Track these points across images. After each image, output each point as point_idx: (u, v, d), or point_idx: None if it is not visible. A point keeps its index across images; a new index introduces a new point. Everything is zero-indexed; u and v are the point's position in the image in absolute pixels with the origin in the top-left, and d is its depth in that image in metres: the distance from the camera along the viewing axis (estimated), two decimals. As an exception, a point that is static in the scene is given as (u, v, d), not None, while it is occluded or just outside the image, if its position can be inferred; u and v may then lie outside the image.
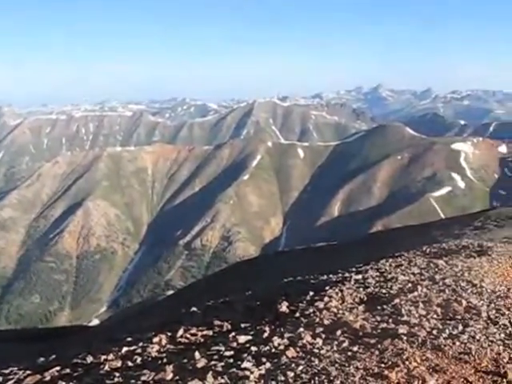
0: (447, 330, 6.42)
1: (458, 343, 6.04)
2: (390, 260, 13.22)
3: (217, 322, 7.66)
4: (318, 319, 6.99)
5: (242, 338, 6.65)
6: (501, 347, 6.02)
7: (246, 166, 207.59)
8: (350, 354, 5.82)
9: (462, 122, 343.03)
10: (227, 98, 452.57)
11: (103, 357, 6.56)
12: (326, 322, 6.87)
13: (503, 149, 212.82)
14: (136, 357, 6.45)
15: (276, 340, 6.36)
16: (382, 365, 5.48)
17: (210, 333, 7.30)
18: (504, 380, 5.29)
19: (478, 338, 6.24)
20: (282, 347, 6.16)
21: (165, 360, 6.23)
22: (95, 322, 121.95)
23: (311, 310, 7.39)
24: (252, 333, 6.93)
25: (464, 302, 7.60)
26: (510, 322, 6.93)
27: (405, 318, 6.86)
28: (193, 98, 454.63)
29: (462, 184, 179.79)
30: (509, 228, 35.56)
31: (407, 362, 5.50)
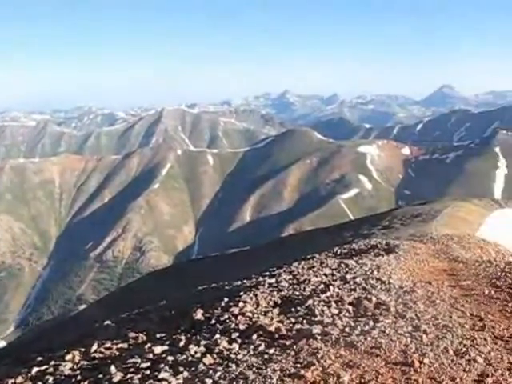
0: (359, 327, 6.62)
1: (369, 338, 6.24)
2: (303, 262, 13.46)
3: (132, 334, 7.52)
4: (233, 325, 7.01)
5: (158, 349, 6.56)
6: (408, 339, 6.28)
7: (155, 174, 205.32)
8: (266, 356, 5.88)
9: (367, 126, 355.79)
10: (135, 106, 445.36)
11: (11, 381, 6.28)
12: (241, 326, 6.90)
13: (406, 151, 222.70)
14: (48, 377, 6.22)
15: (192, 348, 6.32)
16: (298, 365, 5.57)
17: (125, 345, 7.16)
18: (411, 369, 5.55)
19: (387, 332, 6.48)
20: (198, 355, 6.13)
21: (79, 377, 6.04)
22: (2, 343, 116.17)
23: (226, 316, 7.40)
24: (168, 342, 6.86)
25: (374, 299, 7.86)
26: (416, 314, 7.25)
27: (318, 318, 7.00)
28: (99, 106, 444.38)
29: (369, 185, 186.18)
30: (414, 226, 37.18)
31: (322, 361, 5.62)
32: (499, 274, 11.06)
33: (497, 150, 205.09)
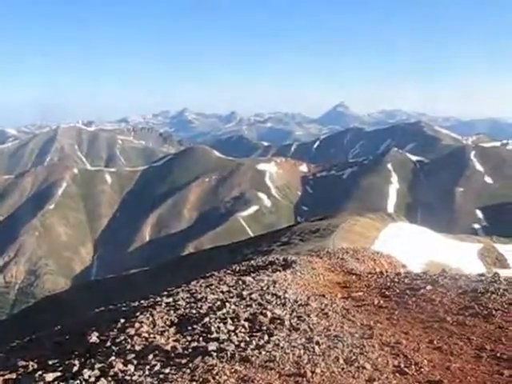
0: (254, 342, 6.73)
1: (263, 352, 6.36)
2: (202, 281, 13.43)
3: (21, 363, 7.22)
4: (129, 346, 6.90)
5: (50, 376, 6.35)
6: (301, 351, 6.48)
7: (51, 194, 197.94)
8: (162, 376, 5.85)
9: (266, 144, 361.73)
10: (28, 123, 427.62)
11: None
12: (137, 347, 6.81)
13: (304, 168, 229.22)
14: None
15: (86, 372, 6.17)
16: (194, 382, 5.59)
17: (14, 375, 6.86)
18: (304, 379, 5.76)
19: (281, 345, 6.63)
20: (92, 379, 6.00)
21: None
22: None
23: (122, 338, 7.27)
24: (61, 368, 6.65)
25: (269, 314, 7.98)
26: (309, 327, 7.47)
27: (214, 335, 7.03)
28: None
29: (268, 202, 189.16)
30: (312, 241, 38.21)
31: (217, 377, 5.68)
32: (388, 284, 11.61)
33: (389, 166, 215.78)
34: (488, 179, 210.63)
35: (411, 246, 47.15)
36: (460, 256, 54.21)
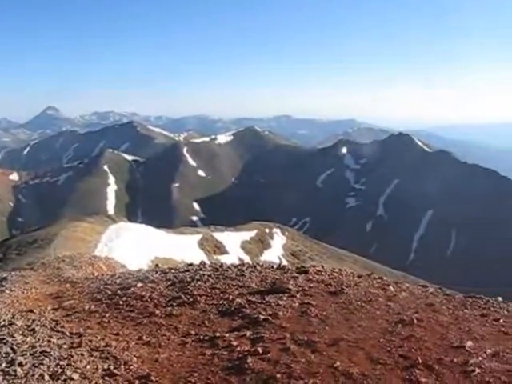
0: None
1: None
2: None
3: None
4: None
5: None
6: (0, 378, 6.00)
7: None
8: None
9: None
10: None
11: None
12: None
13: (15, 176, 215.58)
14: None
15: None
16: None
17: None
18: None
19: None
20: None
21: None
22: None
23: None
24: None
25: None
26: (12, 348, 6.98)
27: None
28: None
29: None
30: (31, 253, 36.09)
31: None
32: (101, 287, 11.48)
33: (105, 167, 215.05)
34: (201, 172, 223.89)
35: (134, 245, 47.70)
36: (182, 248, 56.63)
